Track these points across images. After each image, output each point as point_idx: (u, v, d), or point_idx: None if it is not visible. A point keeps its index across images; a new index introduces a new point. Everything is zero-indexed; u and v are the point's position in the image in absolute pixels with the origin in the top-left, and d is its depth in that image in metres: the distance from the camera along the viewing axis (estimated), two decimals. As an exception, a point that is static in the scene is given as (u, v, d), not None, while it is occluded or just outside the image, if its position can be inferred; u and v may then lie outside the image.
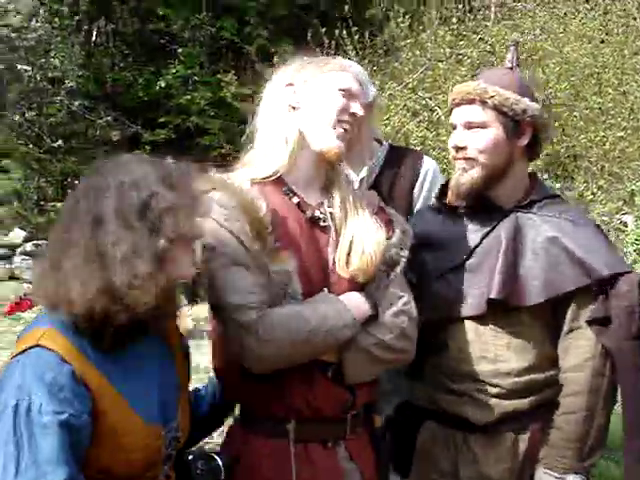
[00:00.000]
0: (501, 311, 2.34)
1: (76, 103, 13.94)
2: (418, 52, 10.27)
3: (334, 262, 2.16)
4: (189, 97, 15.95)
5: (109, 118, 15.76)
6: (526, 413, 2.37)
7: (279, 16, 16.14)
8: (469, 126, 2.37)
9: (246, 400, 2.20)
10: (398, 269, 2.22)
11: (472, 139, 2.36)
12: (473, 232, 2.43)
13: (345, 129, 2.17)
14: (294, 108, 2.18)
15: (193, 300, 2.11)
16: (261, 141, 2.23)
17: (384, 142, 3.25)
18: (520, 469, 2.37)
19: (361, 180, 2.86)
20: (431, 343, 2.39)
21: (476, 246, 2.41)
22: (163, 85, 16.10)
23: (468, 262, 2.41)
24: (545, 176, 8.35)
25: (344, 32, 10.76)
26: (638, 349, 2.26)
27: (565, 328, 2.33)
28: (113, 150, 16.28)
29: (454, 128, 2.44)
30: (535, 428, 2.36)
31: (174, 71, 16.36)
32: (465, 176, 2.37)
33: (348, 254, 2.15)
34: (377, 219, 2.25)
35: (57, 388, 1.60)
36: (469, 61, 9.60)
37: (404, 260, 2.24)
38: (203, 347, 7.62)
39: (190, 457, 1.97)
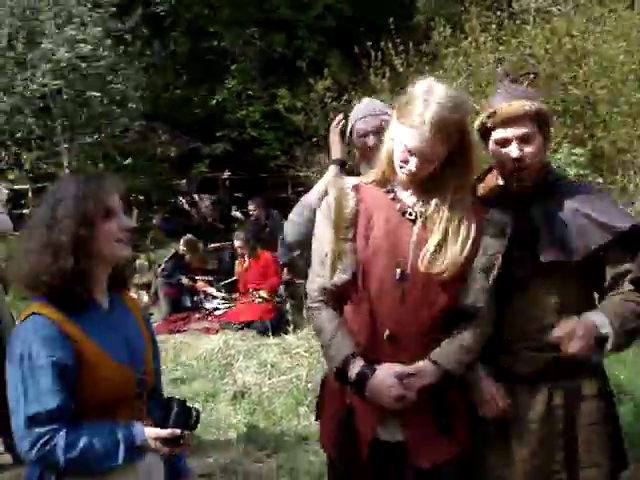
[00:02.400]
0: (547, 274, 2.71)
1: (136, 123, 14.56)
2: (461, 59, 10.74)
3: (415, 250, 2.57)
4: (244, 111, 16.54)
5: (167, 135, 16.40)
6: (557, 368, 2.70)
7: (327, 28, 16.55)
8: (522, 140, 2.72)
9: None
10: (494, 272, 2.62)
11: (527, 150, 2.72)
12: (509, 213, 2.75)
13: (407, 174, 2.58)
14: (392, 139, 2.67)
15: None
16: (379, 156, 2.75)
17: None
18: (557, 413, 2.74)
19: None
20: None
21: (515, 223, 2.73)
22: (220, 100, 16.71)
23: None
24: (587, 171, 8.56)
25: (389, 44, 11.26)
26: None
27: (608, 278, 2.74)
28: (173, 165, 16.96)
29: (507, 142, 2.75)
30: (566, 386, 2.73)
31: (229, 87, 16.93)
32: (527, 181, 2.77)
33: (433, 254, 2.55)
34: (470, 227, 2.60)
35: (48, 340, 2.16)
36: (509, 64, 9.97)
37: (498, 263, 2.63)
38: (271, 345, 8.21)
39: (169, 401, 2.38)
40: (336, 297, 2.67)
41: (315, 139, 12.75)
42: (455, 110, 2.52)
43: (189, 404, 2.35)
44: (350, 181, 2.76)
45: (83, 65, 12.30)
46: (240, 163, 16.30)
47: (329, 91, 12.17)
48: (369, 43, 11.37)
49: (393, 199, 2.67)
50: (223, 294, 10.41)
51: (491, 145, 2.82)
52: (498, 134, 2.78)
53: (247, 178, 16.18)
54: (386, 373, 2.54)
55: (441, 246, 2.56)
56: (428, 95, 2.52)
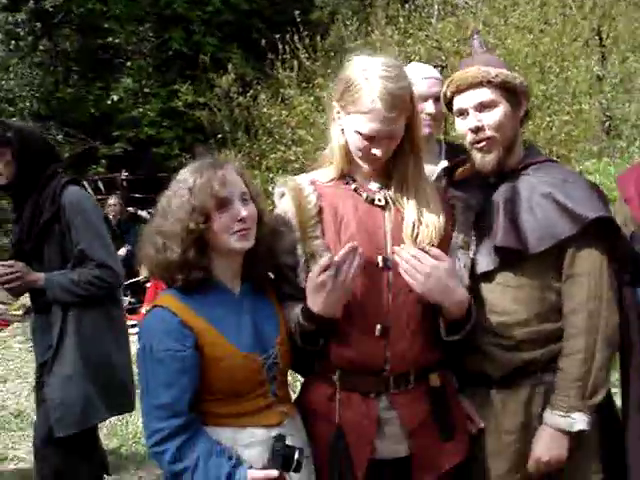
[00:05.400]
0: (506, 266, 2.49)
1: (29, 123, 13.93)
2: (368, 52, 10.62)
3: (392, 236, 2.40)
4: (140, 109, 16.10)
5: (62, 136, 15.77)
6: (540, 365, 2.50)
7: (225, 23, 16.28)
8: (481, 108, 2.50)
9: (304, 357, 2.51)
10: (472, 246, 2.51)
11: (487, 118, 2.50)
12: (477, 199, 2.57)
13: (370, 161, 2.39)
14: (342, 130, 2.44)
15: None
16: (328, 149, 2.53)
17: (442, 141, 3.70)
18: (536, 423, 2.52)
19: (439, 174, 2.97)
20: None
21: (480, 210, 2.56)
22: (115, 99, 16.19)
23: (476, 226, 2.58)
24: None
25: (295, 36, 11.09)
26: None
27: (564, 276, 2.49)
28: (68, 166, 16.33)
29: (462, 114, 2.56)
30: (550, 380, 2.49)
31: (125, 85, 16.43)
32: (489, 156, 2.53)
33: (414, 229, 2.38)
34: (437, 197, 2.46)
35: (168, 333, 2.23)
36: (417, 58, 9.96)
37: (473, 241, 2.52)
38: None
39: (276, 436, 2.29)
40: None
41: (220, 136, 12.44)
42: (399, 79, 2.32)
43: (290, 442, 2.26)
44: (303, 178, 2.53)
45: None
46: (138, 163, 15.83)
47: (233, 86, 11.90)
48: (277, 35, 11.14)
49: (356, 189, 2.46)
50: (129, 298, 10.00)
51: (456, 120, 2.63)
52: (456, 103, 2.59)
53: (146, 178, 15.70)
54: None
55: (418, 219, 2.40)
56: (367, 73, 2.31)
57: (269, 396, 2.34)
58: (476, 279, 2.54)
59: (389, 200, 2.44)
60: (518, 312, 2.51)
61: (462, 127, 2.59)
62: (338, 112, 2.42)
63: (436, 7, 11.07)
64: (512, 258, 2.49)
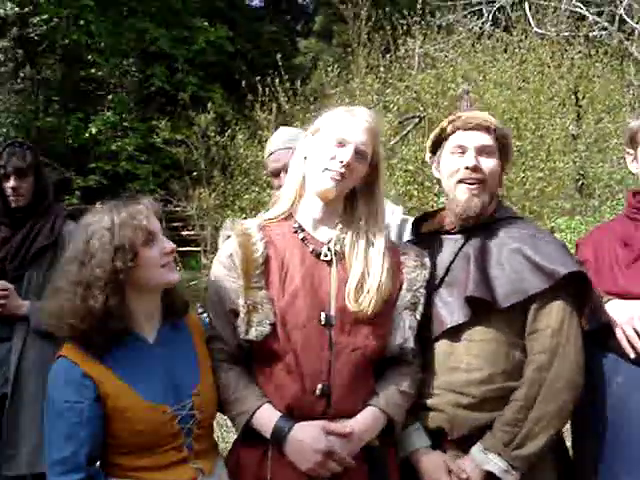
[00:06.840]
0: (474, 321, 2.44)
1: (4, 150, 13.78)
2: (347, 99, 10.69)
3: (336, 293, 2.30)
4: (119, 143, 16.07)
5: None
6: None
7: (208, 63, 16.36)
8: (481, 151, 2.51)
9: None
10: (420, 307, 2.41)
11: (485, 163, 2.51)
12: (446, 252, 2.55)
13: (335, 175, 2.31)
14: (305, 157, 2.42)
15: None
16: (283, 186, 2.51)
17: None
18: None
19: None
20: None
21: (450, 264, 2.52)
22: (94, 132, 16.15)
23: (445, 280, 2.51)
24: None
25: (276, 80, 11.15)
26: None
27: (527, 332, 2.46)
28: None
29: (460, 151, 2.54)
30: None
31: (104, 118, 16.42)
32: (476, 200, 2.51)
33: (357, 290, 2.29)
34: (388, 258, 2.37)
35: (68, 385, 2.14)
36: (395, 107, 10.04)
37: (423, 298, 2.42)
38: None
39: None
40: (239, 357, 2.38)
41: (195, 173, 12.42)
42: (377, 122, 2.43)
43: None
44: (251, 222, 2.45)
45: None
46: (114, 197, 15.71)
47: (212, 125, 11.92)
48: (257, 78, 11.21)
49: (304, 240, 2.38)
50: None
51: (444, 157, 2.58)
52: (456, 139, 2.55)
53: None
54: (310, 426, 2.24)
55: (363, 281, 2.32)
56: (350, 108, 2.43)
57: (183, 450, 2.22)
58: (437, 337, 2.48)
59: (335, 254, 2.36)
60: (483, 368, 2.44)
61: (455, 164, 2.54)
62: (307, 137, 2.42)
63: (416, 59, 11.17)
64: (481, 312, 2.43)
